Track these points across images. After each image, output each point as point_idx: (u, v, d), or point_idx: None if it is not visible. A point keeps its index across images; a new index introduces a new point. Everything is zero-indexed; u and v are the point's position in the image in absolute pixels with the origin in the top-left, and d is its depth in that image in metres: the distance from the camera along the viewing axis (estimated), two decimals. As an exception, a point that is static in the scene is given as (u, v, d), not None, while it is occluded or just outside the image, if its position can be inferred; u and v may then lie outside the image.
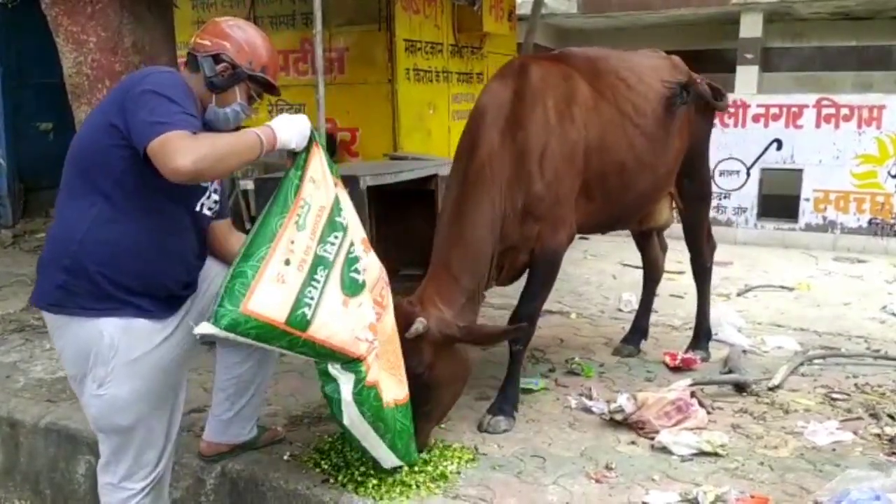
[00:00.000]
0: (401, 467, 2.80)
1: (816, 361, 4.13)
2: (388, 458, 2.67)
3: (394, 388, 2.61)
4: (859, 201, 7.56)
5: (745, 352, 4.26)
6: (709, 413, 3.36)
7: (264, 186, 4.62)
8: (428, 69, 7.72)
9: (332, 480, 2.82)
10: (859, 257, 7.27)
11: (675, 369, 3.99)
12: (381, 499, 2.70)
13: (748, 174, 7.87)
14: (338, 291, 2.37)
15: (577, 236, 6.88)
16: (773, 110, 7.73)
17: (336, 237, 2.41)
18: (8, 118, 7.96)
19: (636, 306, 4.61)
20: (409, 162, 5.71)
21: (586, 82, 3.44)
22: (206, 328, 2.15)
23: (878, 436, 3.20)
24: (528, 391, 3.65)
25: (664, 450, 3.03)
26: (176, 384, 2.47)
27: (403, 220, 5.34)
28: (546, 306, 5.04)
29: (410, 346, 2.80)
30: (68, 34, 4.82)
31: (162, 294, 2.32)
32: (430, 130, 7.51)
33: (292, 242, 2.28)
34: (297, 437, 3.16)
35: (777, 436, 3.20)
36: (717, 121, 7.68)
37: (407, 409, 2.67)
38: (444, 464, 2.90)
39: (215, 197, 2.48)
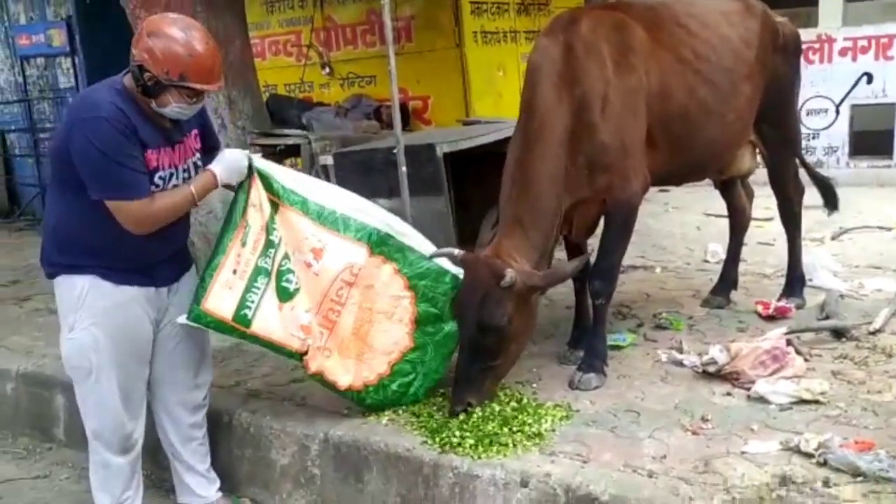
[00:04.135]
0: (498, 426, 2.89)
1: (919, 303, 3.96)
2: None
3: (352, 374, 3.05)
4: (957, 133, 7.12)
5: (842, 296, 4.12)
6: (806, 361, 3.28)
7: (343, 160, 4.71)
8: (495, 31, 7.64)
9: (430, 442, 2.90)
10: (960, 192, 6.89)
11: (769, 318, 3.89)
12: (479, 458, 2.77)
13: (837, 112, 7.51)
14: (274, 297, 2.91)
15: (657, 189, 6.79)
16: (861, 43, 7.32)
17: (270, 252, 2.92)
18: (96, 112, 8.34)
19: (723, 256, 4.50)
20: (483, 126, 5.70)
21: (643, 29, 3.37)
22: (182, 319, 2.83)
23: None
24: (617, 348, 3.64)
25: (761, 399, 2.99)
26: (140, 354, 2.83)
27: (482, 184, 5.34)
28: (629, 261, 5.04)
29: (496, 298, 2.91)
30: (146, 26, 4.98)
31: (120, 265, 2.72)
32: (500, 93, 7.46)
33: (238, 256, 2.87)
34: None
35: (880, 380, 3.10)
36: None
37: (378, 388, 3.10)
38: (540, 422, 2.94)
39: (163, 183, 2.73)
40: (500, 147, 5.12)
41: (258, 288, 2.87)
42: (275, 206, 2.95)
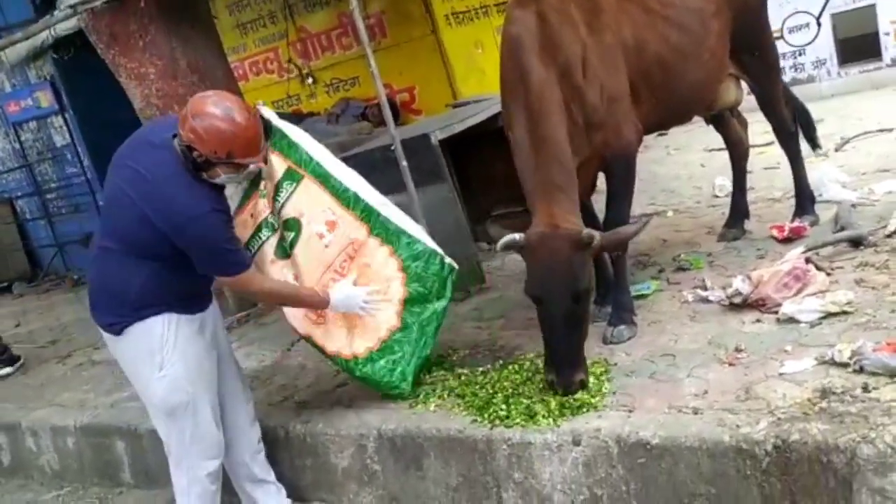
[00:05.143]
0: (545, 393, 2.98)
1: (931, 197, 3.99)
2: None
3: (339, 344, 3.26)
4: (944, 21, 7.08)
5: (854, 206, 4.16)
6: (828, 275, 3.33)
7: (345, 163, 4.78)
8: (466, 9, 7.66)
9: (479, 420, 2.99)
10: (956, 80, 6.86)
11: (786, 241, 3.94)
12: (528, 425, 2.85)
13: (819, 24, 7.49)
14: (271, 250, 3.28)
15: (655, 134, 6.82)
16: (830, -50, 7.30)
17: (276, 214, 3.25)
18: (96, 163, 8.41)
19: (731, 189, 4.55)
20: (472, 106, 5.75)
21: None
22: None
23: None
24: (643, 296, 3.71)
25: (791, 320, 3.05)
26: (215, 376, 3.04)
27: (480, 163, 5.42)
28: (640, 209, 5.11)
29: (580, 264, 2.92)
30: (129, 71, 5.08)
31: (186, 298, 2.94)
32: (483, 70, 7.49)
33: (255, 205, 3.30)
34: (437, 385, 3.35)
35: (904, 281, 3.15)
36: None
37: (366, 362, 3.25)
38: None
39: None
40: (492, 124, 5.20)
41: (261, 237, 3.28)
42: (299, 177, 3.22)
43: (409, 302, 3.27)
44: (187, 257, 2.82)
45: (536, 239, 2.98)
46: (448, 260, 3.32)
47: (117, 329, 2.89)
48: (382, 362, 3.25)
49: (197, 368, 2.94)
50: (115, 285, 2.89)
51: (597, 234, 2.93)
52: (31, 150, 9.10)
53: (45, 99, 8.51)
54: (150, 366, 2.88)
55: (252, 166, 2.89)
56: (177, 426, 2.96)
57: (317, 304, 3.16)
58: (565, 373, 2.94)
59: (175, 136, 2.80)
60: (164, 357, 2.87)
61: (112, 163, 2.93)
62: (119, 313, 2.87)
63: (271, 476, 3.31)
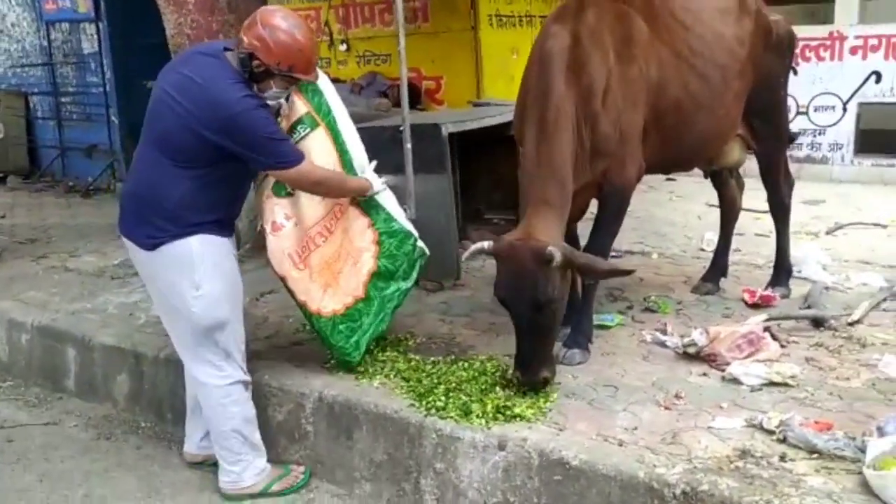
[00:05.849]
0: (486, 395, 3.07)
1: (902, 297, 4.07)
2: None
3: (308, 297, 3.28)
4: (964, 136, 7.18)
5: (827, 289, 4.24)
6: (783, 346, 3.41)
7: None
8: (511, 14, 7.74)
9: (417, 405, 3.06)
10: (963, 194, 6.94)
11: (754, 306, 4.02)
12: (459, 423, 2.93)
13: (845, 109, 7.58)
14: (268, 188, 3.27)
15: (664, 178, 6.88)
16: (872, 41, 7.37)
17: None
18: (117, 77, 8.48)
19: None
20: (492, 108, 5.82)
21: (643, 21, 3.48)
22: None
23: (958, 369, 3.19)
24: (605, 327, 3.79)
25: (734, 380, 3.13)
26: (241, 297, 3.15)
27: (488, 166, 5.48)
28: (627, 247, 5.19)
29: (545, 277, 2.98)
30: (168, -4, 5.13)
31: (219, 222, 3.01)
32: (513, 76, 7.54)
33: None
34: (387, 365, 3.43)
35: (851, 368, 3.23)
36: (812, 54, 7.49)
37: (328, 322, 3.30)
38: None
39: None
40: (507, 130, 5.26)
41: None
42: (315, 123, 3.25)
43: (376, 276, 3.36)
44: (227, 169, 2.89)
45: (504, 248, 3.07)
46: (420, 244, 3.43)
47: (150, 244, 2.91)
48: (342, 327, 3.33)
49: (231, 287, 3.04)
50: (152, 194, 2.90)
51: (558, 253, 2.95)
52: (57, 51, 9.15)
53: (84, 4, 8.56)
54: (187, 285, 2.91)
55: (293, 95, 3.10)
56: (220, 339, 3.02)
57: (359, 189, 3.28)
58: (529, 371, 3.05)
59: (226, 49, 2.90)
60: (200, 275, 2.91)
61: (159, 76, 2.98)
62: (157, 226, 2.89)
63: None
